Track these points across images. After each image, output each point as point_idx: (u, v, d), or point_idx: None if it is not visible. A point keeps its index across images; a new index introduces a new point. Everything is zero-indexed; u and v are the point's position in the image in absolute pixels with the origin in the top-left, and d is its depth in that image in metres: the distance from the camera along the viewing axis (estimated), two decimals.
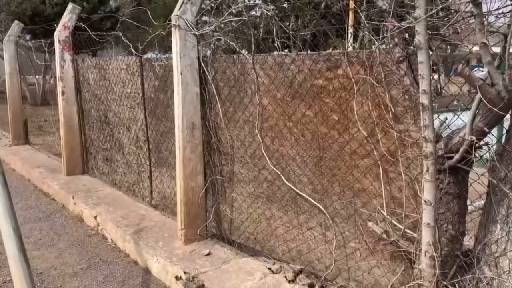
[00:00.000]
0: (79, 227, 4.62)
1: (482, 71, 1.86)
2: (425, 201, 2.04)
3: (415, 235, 2.33)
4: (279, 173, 3.12)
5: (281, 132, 3.07)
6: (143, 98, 4.39)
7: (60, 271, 3.70)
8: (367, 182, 2.64)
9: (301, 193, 3.00)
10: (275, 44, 3.49)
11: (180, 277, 3.18)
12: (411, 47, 2.12)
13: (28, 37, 13.32)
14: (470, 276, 2.19)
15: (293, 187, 3.04)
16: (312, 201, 2.94)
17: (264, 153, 3.18)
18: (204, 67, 3.48)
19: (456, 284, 2.18)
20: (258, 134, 3.20)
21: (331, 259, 2.88)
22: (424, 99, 1.94)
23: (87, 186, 5.39)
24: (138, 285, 3.42)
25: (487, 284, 2.28)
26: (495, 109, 1.77)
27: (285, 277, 2.95)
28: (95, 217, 4.45)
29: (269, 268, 3.08)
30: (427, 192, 2.03)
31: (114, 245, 4.11)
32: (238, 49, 3.18)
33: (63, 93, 5.75)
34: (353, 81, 2.54)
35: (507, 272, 2.26)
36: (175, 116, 3.51)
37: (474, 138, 1.91)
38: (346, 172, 2.74)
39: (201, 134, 3.58)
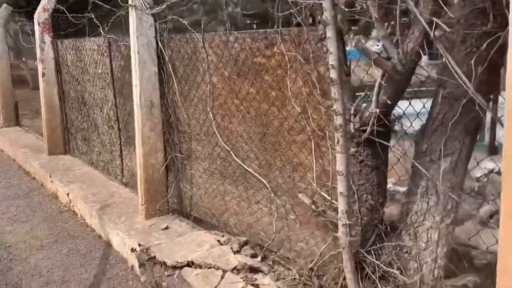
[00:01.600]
0: (53, 204, 4.77)
1: (378, 46, 1.94)
2: (337, 171, 2.14)
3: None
4: (229, 149, 3.22)
5: (230, 109, 3.16)
6: (112, 78, 4.50)
7: (28, 244, 3.86)
8: (303, 157, 2.74)
9: (248, 169, 3.10)
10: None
11: (135, 249, 3.32)
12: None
13: (25, 21, 13.42)
14: (388, 244, 2.29)
15: (241, 163, 3.15)
16: (257, 176, 3.04)
17: (216, 131, 3.28)
18: (161, 47, 3.57)
19: (373, 252, 2.29)
20: (210, 112, 3.30)
21: (274, 231, 2.99)
22: (332, 74, 2.02)
23: (66, 165, 5.54)
24: (99, 257, 3.57)
25: (406, 252, 2.38)
26: (391, 82, 1.85)
27: (231, 248, 3.07)
28: (68, 194, 4.60)
29: (218, 240, 3.20)
30: (339, 164, 2.12)
31: (82, 221, 4.26)
32: (189, 28, 3.26)
33: (43, 74, 5.87)
34: (286, 59, 2.62)
35: (426, 241, 2.36)
36: (133, 94, 3.61)
37: (377, 110, 1.99)
38: (285, 147, 2.84)
39: (160, 112, 3.68)
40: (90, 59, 4.95)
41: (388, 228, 2.35)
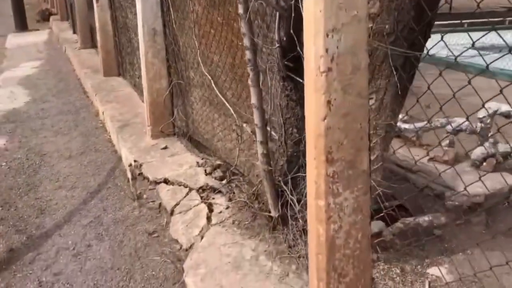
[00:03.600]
0: (94, 121, 5.34)
1: None
2: (252, 104, 2.24)
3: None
4: (210, 78, 3.39)
5: (209, 38, 3.29)
6: None
7: (60, 154, 4.45)
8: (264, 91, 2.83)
9: (220, 96, 3.26)
10: None
11: (131, 164, 3.72)
12: None
13: None
14: (304, 175, 2.39)
15: (217, 91, 3.31)
16: (227, 104, 3.20)
17: (200, 59, 3.44)
18: None
19: (290, 181, 2.41)
20: (195, 41, 3.45)
21: (241, 156, 3.19)
22: (240, 9, 2.07)
23: (113, 86, 6.06)
24: (109, 169, 4.05)
25: None
26: (283, 18, 1.87)
27: (205, 170, 3.33)
28: (103, 113, 5.11)
29: (197, 162, 3.48)
30: (252, 97, 2.22)
31: (109, 137, 4.76)
32: None
33: (97, 0, 6.30)
34: None
35: None
36: (138, 22, 3.85)
37: (277, 46, 2.03)
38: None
39: (163, 40, 3.90)
40: None
41: None
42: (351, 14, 1.32)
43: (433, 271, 2.44)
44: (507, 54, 1.43)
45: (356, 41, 1.36)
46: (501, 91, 1.64)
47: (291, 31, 1.98)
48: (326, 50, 1.34)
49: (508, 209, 3.16)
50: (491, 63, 1.62)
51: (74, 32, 10.52)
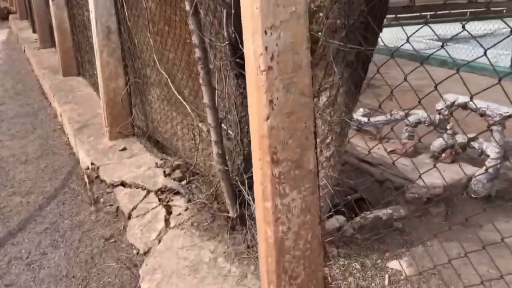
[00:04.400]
0: (52, 123, 5.18)
1: None
2: (204, 103, 2.18)
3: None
4: (167, 76, 3.30)
5: (164, 36, 3.20)
6: None
7: (16, 158, 4.29)
8: (219, 89, 2.77)
9: (177, 95, 3.19)
10: None
11: (88, 167, 3.60)
12: None
13: None
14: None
15: (174, 90, 3.23)
16: (184, 103, 3.13)
17: (155, 57, 3.35)
18: None
19: (246, 180, 2.36)
20: (150, 38, 3.36)
21: (200, 156, 3.12)
22: (187, 5, 2.01)
23: (72, 87, 5.89)
24: (66, 173, 3.92)
25: None
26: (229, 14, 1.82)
27: (164, 171, 3.26)
28: (61, 114, 4.95)
29: (156, 163, 3.40)
30: (205, 96, 2.17)
31: (67, 139, 4.62)
32: None
33: None
34: None
35: None
36: (91, 20, 3.73)
37: (227, 43, 1.98)
38: None
39: (118, 38, 3.79)
40: None
41: None
42: (290, 10, 1.28)
43: (393, 264, 2.45)
44: (439, 49, 1.41)
45: (296, 38, 1.32)
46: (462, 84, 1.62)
47: (232, 28, 1.93)
48: (266, 48, 1.30)
49: (466, 199, 3.20)
50: (430, 55, 1.61)
51: (34, 31, 10.21)
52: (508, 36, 1.23)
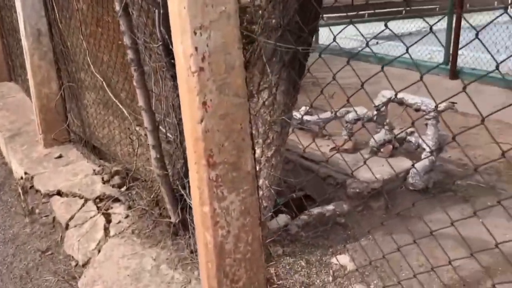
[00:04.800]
0: None
1: None
2: (140, 107, 2.11)
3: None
4: (102, 79, 3.19)
5: (97, 37, 3.09)
6: None
7: None
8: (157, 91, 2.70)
9: (113, 98, 3.08)
10: None
11: (22, 177, 3.42)
12: None
13: None
14: None
15: (109, 93, 3.13)
16: (120, 106, 3.03)
17: (89, 60, 3.23)
18: None
19: (186, 184, 2.31)
20: (83, 41, 3.23)
21: (139, 161, 3.04)
22: (117, 6, 1.93)
23: (4, 93, 5.59)
24: None
25: None
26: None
27: (102, 178, 3.14)
28: None
29: (94, 170, 3.27)
30: (139, 98, 2.10)
31: None
32: None
33: None
34: None
35: None
36: (19, 22, 3.54)
37: (160, 44, 1.92)
38: None
39: (49, 41, 3.62)
40: None
41: None
42: (219, 10, 1.25)
43: (337, 260, 2.47)
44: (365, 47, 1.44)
45: (227, 38, 1.30)
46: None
47: (161, 28, 1.88)
48: (196, 49, 1.26)
49: (405, 192, 3.31)
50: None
51: None
52: (426, 35, 1.27)
